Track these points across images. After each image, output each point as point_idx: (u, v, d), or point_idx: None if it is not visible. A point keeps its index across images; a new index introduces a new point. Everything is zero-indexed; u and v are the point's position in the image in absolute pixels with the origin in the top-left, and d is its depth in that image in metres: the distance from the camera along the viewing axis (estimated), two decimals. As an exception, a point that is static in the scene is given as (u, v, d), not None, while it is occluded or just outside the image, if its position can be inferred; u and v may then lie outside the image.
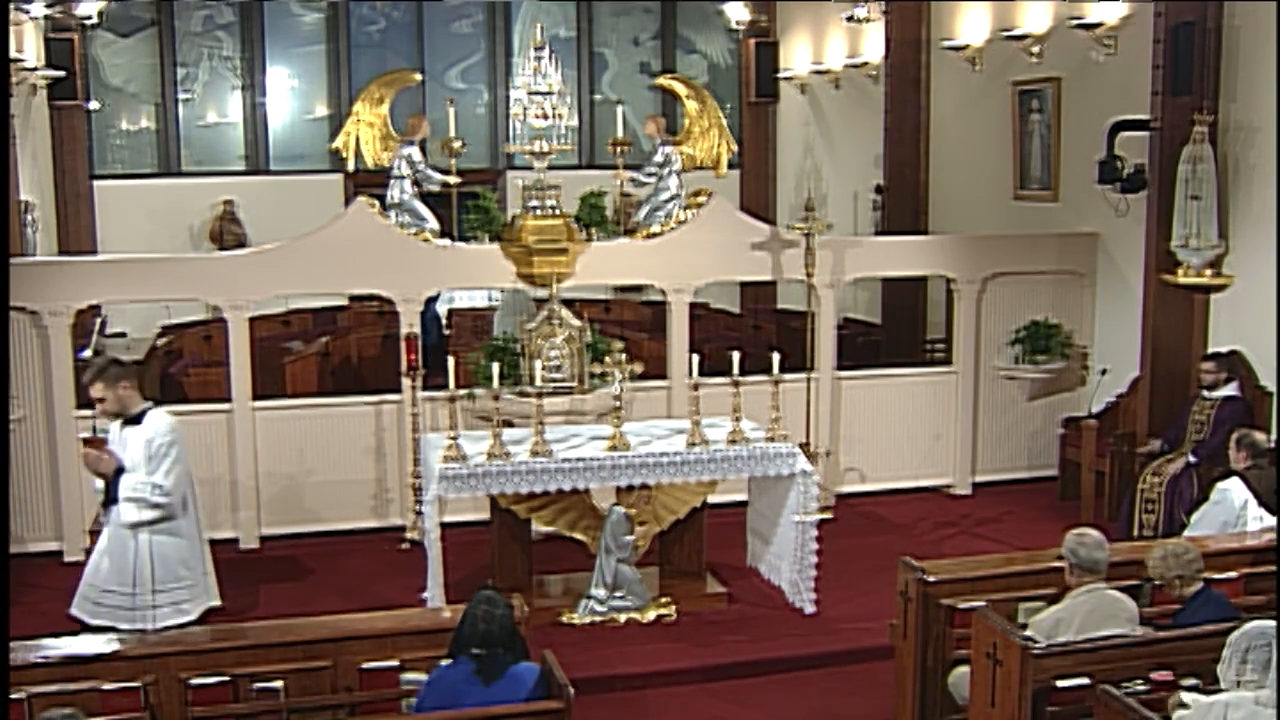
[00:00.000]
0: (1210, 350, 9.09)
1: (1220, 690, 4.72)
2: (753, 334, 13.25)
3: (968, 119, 12.62)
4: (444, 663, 5.13)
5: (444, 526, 7.55)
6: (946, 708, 6.22)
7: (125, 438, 6.35)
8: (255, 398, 9.44)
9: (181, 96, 16.84)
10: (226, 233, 16.18)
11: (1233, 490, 7.11)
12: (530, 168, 9.30)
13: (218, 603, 6.71)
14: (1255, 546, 6.63)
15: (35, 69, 13.67)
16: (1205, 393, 8.79)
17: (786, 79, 16.59)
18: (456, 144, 10.06)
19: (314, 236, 9.48)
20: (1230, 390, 8.71)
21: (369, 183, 12.63)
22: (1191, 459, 8.59)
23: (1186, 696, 4.89)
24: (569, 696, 4.95)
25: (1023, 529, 9.62)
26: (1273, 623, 4.74)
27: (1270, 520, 6.97)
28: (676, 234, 9.91)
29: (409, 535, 9.25)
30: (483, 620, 5.00)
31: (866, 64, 14.22)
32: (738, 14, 16.73)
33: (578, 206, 9.83)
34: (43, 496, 9.07)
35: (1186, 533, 7.24)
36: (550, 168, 9.25)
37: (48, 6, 12.71)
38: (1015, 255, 10.64)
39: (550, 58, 8.90)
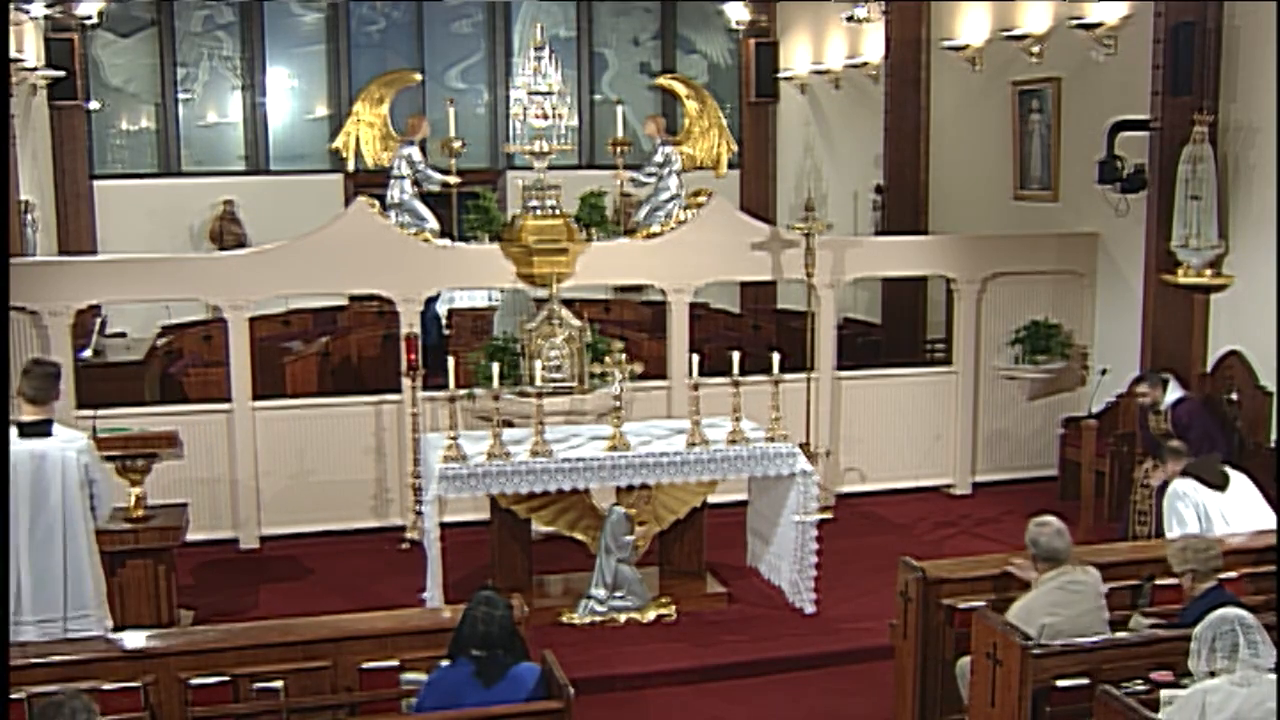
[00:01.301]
0: (1138, 374, 8.98)
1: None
2: (753, 334, 13.25)
3: (968, 119, 12.62)
4: (444, 664, 5.13)
5: (444, 526, 7.55)
6: (947, 708, 6.23)
7: None
8: (255, 398, 9.44)
9: (181, 96, 16.84)
10: (226, 233, 16.17)
11: (1181, 489, 7.12)
12: (530, 168, 9.30)
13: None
14: (1256, 546, 6.62)
15: (35, 69, 13.67)
16: (1151, 415, 8.69)
17: (786, 79, 16.60)
18: (456, 144, 10.07)
19: (314, 236, 9.48)
20: (1174, 395, 8.61)
21: (369, 183, 12.64)
22: None
23: (1166, 694, 4.92)
24: (569, 696, 4.95)
25: (1022, 529, 9.40)
26: (1235, 610, 4.82)
27: (1220, 501, 7.02)
28: (676, 234, 9.92)
29: (409, 535, 9.25)
30: (482, 621, 4.98)
31: (866, 64, 14.22)
32: (738, 14, 16.73)
33: (578, 206, 9.83)
34: (43, 496, 9.05)
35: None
36: (550, 168, 9.26)
37: (48, 6, 12.72)
38: (1015, 255, 10.65)
39: (550, 58, 8.91)
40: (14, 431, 5.94)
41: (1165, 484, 8.48)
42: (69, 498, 5.99)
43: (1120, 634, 5.79)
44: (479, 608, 5.03)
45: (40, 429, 5.96)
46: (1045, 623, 5.62)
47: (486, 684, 4.95)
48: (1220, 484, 7.07)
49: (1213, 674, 4.71)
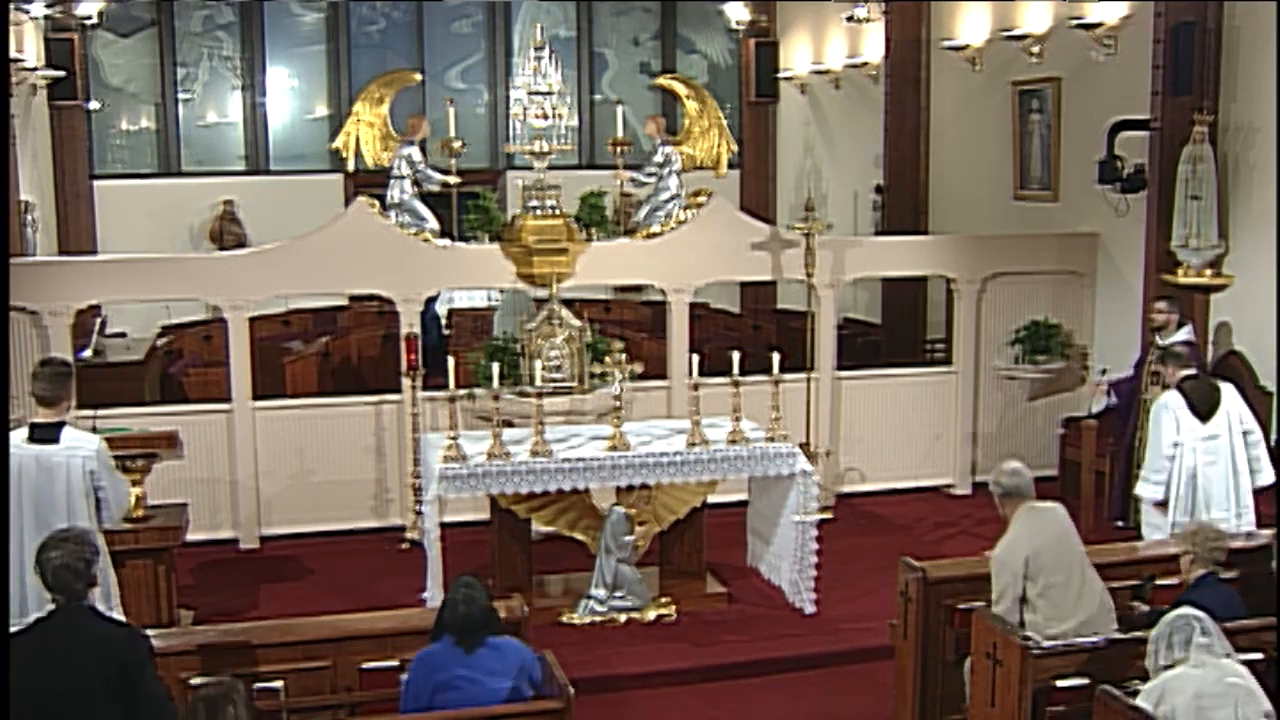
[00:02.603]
0: (1164, 294, 9.05)
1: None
2: (753, 334, 13.25)
3: (968, 119, 12.62)
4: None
5: (444, 526, 7.55)
6: (947, 707, 6.23)
7: None
8: (255, 398, 9.43)
9: (181, 96, 16.85)
10: (226, 233, 16.18)
11: (1169, 403, 7.28)
12: (530, 168, 9.30)
13: None
14: (1248, 548, 6.61)
15: (35, 69, 13.67)
16: (1157, 338, 8.73)
17: (786, 79, 16.60)
18: (456, 144, 10.05)
19: (314, 236, 9.48)
20: (1185, 334, 8.65)
21: (369, 183, 12.63)
22: None
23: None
24: (569, 696, 4.95)
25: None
26: (1191, 610, 4.97)
27: (1201, 430, 7.19)
28: (676, 234, 9.91)
29: (409, 535, 9.25)
30: (463, 603, 5.10)
31: (866, 64, 14.23)
32: (738, 14, 16.73)
33: (578, 206, 9.83)
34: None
35: (1149, 454, 7.40)
36: (550, 168, 9.26)
37: (48, 6, 12.72)
38: (1015, 255, 10.65)
39: (550, 58, 8.91)
40: (24, 434, 5.91)
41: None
42: (73, 504, 5.94)
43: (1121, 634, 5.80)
44: (459, 591, 5.17)
45: (49, 433, 5.93)
46: (1028, 553, 5.79)
47: (468, 651, 5.05)
48: (1203, 415, 7.23)
49: (1170, 666, 4.84)
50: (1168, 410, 7.26)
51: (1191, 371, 7.43)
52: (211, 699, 4.12)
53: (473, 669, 5.00)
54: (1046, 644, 5.51)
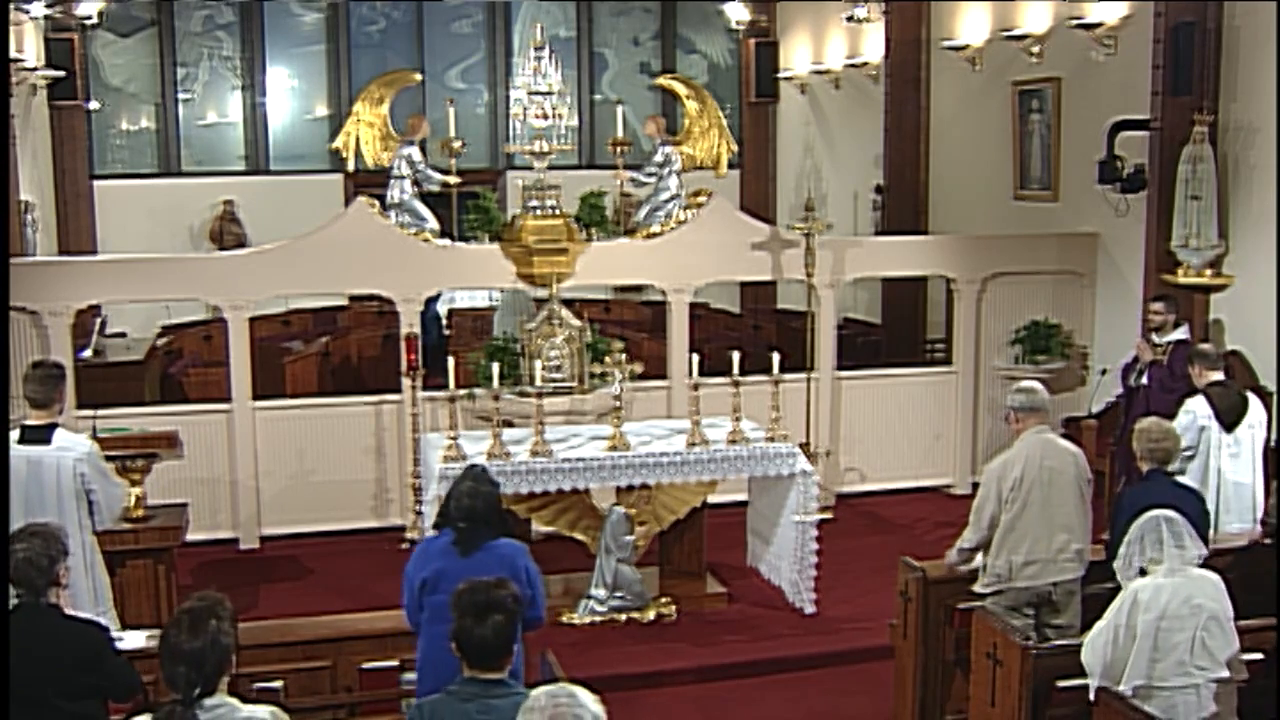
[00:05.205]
0: (1161, 294, 9.07)
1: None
2: (753, 334, 13.26)
3: (968, 119, 12.62)
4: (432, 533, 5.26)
5: (444, 526, 7.54)
6: (947, 708, 6.23)
7: None
8: (255, 398, 9.44)
9: (181, 96, 16.84)
10: (226, 233, 16.18)
11: (1196, 410, 7.27)
12: (530, 168, 9.31)
13: None
14: (1249, 547, 6.62)
15: (35, 69, 13.67)
16: (1154, 336, 8.75)
17: (786, 79, 16.60)
18: (456, 144, 10.06)
19: (314, 236, 9.48)
20: (1180, 334, 8.67)
21: (369, 183, 12.63)
22: None
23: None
24: (569, 696, 4.94)
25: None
26: (1163, 511, 5.06)
27: (1220, 442, 7.18)
28: (676, 234, 9.92)
29: (409, 535, 9.24)
30: (467, 495, 5.12)
31: (866, 64, 14.23)
32: (738, 14, 16.72)
33: (578, 206, 9.83)
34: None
35: None
36: (550, 168, 9.26)
37: (48, 6, 12.71)
38: (1015, 255, 10.65)
39: (550, 58, 8.92)
40: (15, 435, 5.89)
41: (1130, 365, 8.84)
42: (64, 506, 5.91)
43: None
44: (465, 483, 5.17)
45: (40, 434, 5.90)
46: (1017, 475, 5.86)
47: (463, 553, 5.06)
48: (1228, 424, 7.23)
49: (1143, 571, 4.93)
50: (1190, 418, 7.20)
51: (1219, 376, 7.38)
52: (195, 610, 3.97)
53: (465, 572, 4.84)
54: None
